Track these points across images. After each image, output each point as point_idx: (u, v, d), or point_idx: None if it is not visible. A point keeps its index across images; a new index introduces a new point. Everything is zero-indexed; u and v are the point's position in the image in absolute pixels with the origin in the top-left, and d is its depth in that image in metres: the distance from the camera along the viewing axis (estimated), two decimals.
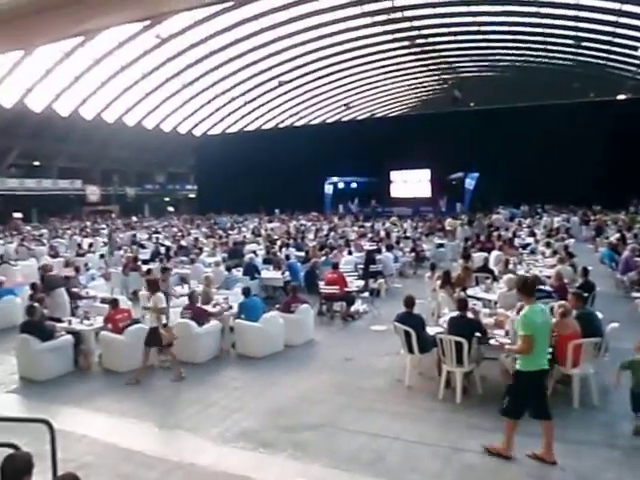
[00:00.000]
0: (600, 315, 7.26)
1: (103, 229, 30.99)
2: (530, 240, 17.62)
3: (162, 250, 17.97)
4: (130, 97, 45.38)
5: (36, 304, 8.42)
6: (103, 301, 9.94)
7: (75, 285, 11.20)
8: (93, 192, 50.26)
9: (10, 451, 3.55)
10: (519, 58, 48.05)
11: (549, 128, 29.05)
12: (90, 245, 20.77)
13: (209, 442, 5.93)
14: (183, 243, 20.04)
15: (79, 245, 21.39)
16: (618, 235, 16.46)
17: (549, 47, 43.84)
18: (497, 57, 49.43)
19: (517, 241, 17.38)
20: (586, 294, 7.93)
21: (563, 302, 6.87)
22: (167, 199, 58.40)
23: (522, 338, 5.01)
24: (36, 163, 47.12)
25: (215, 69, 45.79)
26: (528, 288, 5.20)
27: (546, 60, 46.96)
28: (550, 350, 6.25)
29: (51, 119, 42.15)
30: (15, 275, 15.15)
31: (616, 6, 33.83)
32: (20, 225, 35.15)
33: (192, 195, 55.96)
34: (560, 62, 46.46)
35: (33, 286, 10.47)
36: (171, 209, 55.54)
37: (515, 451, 5.29)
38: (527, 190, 29.08)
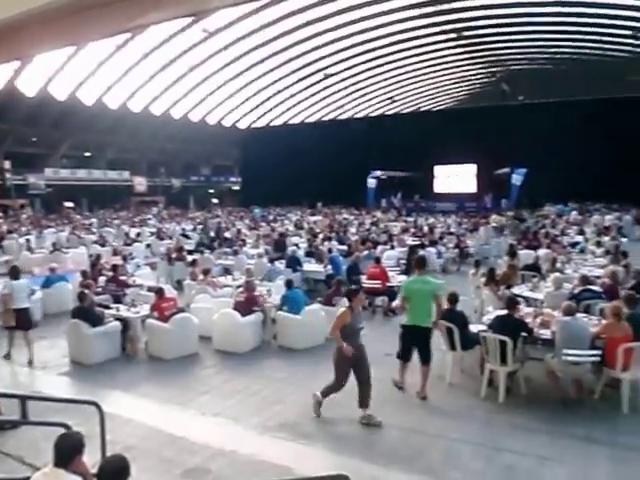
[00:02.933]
0: None
1: (149, 219, 31.76)
2: (579, 238, 17.07)
3: (206, 241, 18.35)
4: (177, 90, 46.04)
5: (86, 290, 8.72)
6: (149, 290, 10.19)
7: (122, 273, 11.51)
8: (140, 183, 51.57)
9: (63, 430, 3.70)
10: (574, 50, 46.25)
11: (603, 123, 28.02)
12: (138, 235, 21.35)
13: (250, 431, 6.03)
14: (227, 235, 20.33)
15: (127, 234, 22.00)
16: None
17: (605, 39, 42.09)
18: (550, 50, 47.71)
19: (565, 239, 16.91)
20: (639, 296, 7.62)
21: (615, 303, 6.65)
22: (211, 191, 59.15)
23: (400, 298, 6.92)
24: (87, 154, 48.46)
25: (260, 62, 45.87)
26: (417, 263, 7.07)
27: (600, 52, 45.10)
28: (599, 353, 6.12)
29: (101, 112, 43.28)
30: (66, 262, 15.74)
31: None
32: (71, 214, 36.34)
33: (236, 187, 56.59)
34: (616, 54, 44.55)
35: (83, 273, 10.86)
36: (215, 201, 56.29)
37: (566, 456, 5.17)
38: (577, 187, 28.10)
